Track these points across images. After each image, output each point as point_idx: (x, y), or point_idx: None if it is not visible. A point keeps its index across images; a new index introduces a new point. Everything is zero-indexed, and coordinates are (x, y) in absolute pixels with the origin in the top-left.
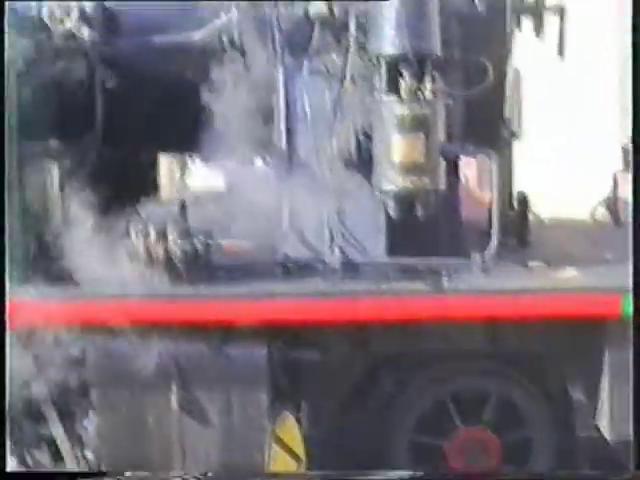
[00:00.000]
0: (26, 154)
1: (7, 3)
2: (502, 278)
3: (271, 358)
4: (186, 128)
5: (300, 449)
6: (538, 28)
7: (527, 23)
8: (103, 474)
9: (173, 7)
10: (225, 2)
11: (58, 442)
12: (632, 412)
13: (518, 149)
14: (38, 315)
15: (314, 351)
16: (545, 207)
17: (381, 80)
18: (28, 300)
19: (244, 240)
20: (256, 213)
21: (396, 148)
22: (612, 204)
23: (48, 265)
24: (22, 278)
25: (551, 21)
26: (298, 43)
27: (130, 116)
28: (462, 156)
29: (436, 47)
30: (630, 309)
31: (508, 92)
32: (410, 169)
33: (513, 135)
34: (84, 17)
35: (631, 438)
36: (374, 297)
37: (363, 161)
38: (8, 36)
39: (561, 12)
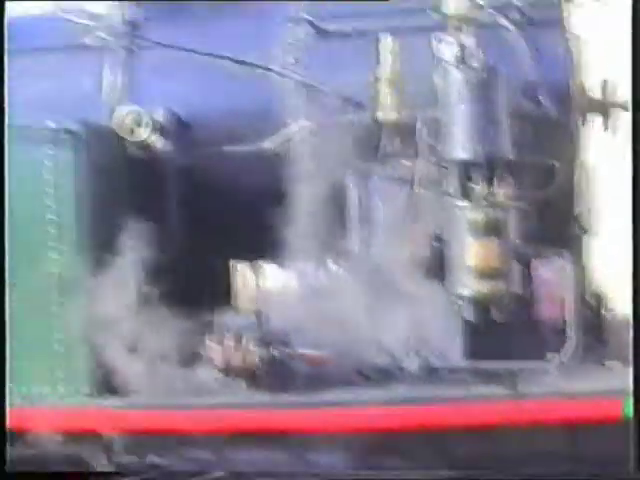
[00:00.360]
0: (99, 263)
1: (7, 3)
2: (579, 379)
3: (352, 466)
4: (259, 234)
5: None
6: (606, 123)
7: (595, 119)
8: (102, 474)
9: (244, 116)
10: (294, 110)
11: None
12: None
13: (591, 246)
14: (116, 421)
15: (394, 457)
16: (621, 303)
17: (452, 185)
18: (107, 407)
19: (321, 346)
20: (332, 319)
21: (470, 253)
22: None
23: (127, 371)
24: (101, 386)
25: (619, 116)
26: (368, 148)
27: (204, 224)
28: (535, 256)
29: (507, 150)
30: None
31: (579, 189)
32: (485, 273)
33: (586, 232)
34: (156, 127)
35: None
36: (453, 402)
37: (437, 265)
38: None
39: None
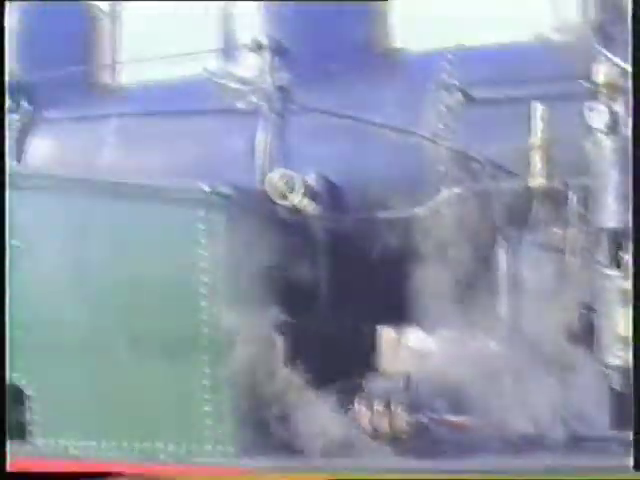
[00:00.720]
0: (248, 325)
1: (7, 4)
2: None
3: None
4: (407, 298)
5: None
6: None
7: None
8: (102, 474)
9: (394, 181)
10: (445, 177)
11: None
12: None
13: None
14: None
15: None
16: None
17: (603, 253)
18: (253, 467)
19: (467, 413)
20: (480, 386)
21: (621, 322)
22: None
23: (274, 434)
24: (248, 446)
25: None
26: (518, 216)
27: (352, 288)
28: None
29: None
30: None
31: None
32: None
33: None
34: (308, 192)
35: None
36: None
37: (586, 334)
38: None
39: None
